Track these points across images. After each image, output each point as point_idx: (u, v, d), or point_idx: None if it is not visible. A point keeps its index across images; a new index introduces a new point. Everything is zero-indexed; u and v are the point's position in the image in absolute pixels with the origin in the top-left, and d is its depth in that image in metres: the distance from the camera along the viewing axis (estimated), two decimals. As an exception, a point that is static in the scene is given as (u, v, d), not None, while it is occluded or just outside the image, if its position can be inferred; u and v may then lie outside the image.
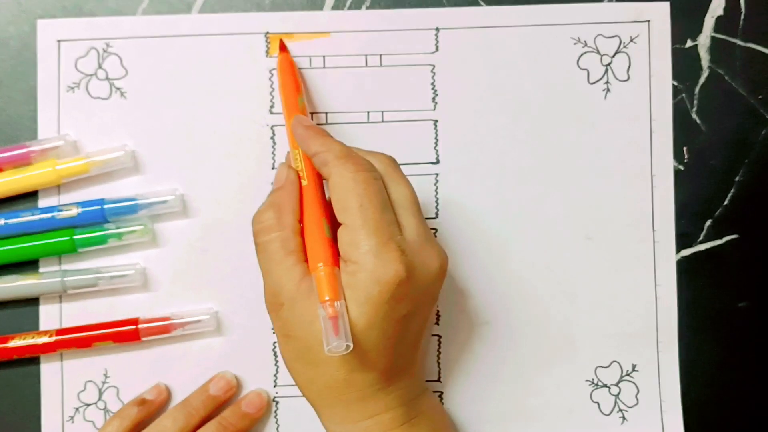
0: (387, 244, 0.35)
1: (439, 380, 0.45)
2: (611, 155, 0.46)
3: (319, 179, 0.40)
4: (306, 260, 0.37)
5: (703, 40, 0.46)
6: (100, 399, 0.44)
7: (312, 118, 0.44)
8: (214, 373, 0.44)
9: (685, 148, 0.46)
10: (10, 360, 0.43)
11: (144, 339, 0.43)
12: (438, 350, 0.45)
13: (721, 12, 0.46)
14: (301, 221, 0.38)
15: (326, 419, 0.39)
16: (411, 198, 0.39)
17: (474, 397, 0.45)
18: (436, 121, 0.45)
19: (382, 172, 0.38)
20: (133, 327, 0.43)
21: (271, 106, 0.45)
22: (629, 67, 0.46)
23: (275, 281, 0.37)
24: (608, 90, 0.46)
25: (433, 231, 0.45)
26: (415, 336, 0.38)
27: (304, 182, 0.39)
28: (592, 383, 0.46)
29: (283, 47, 0.45)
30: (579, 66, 0.46)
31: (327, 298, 0.35)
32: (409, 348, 0.38)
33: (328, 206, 0.39)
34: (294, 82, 0.43)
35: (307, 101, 0.45)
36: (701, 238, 0.46)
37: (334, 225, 0.38)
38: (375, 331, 0.36)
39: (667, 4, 0.46)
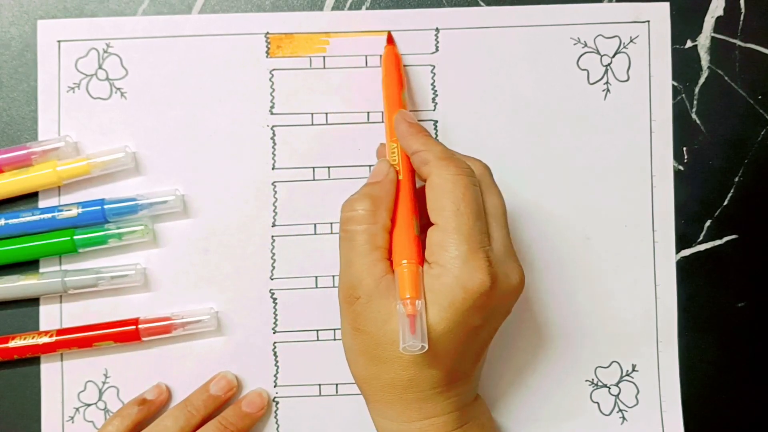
0: (476, 252, 0.35)
1: (439, 380, 0.45)
2: (611, 155, 0.46)
3: (414, 176, 0.39)
4: (389, 258, 0.37)
5: (703, 41, 0.46)
6: (100, 399, 0.44)
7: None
8: (215, 372, 0.44)
9: (684, 149, 0.46)
10: (11, 360, 0.43)
11: (144, 339, 0.43)
12: (438, 350, 0.45)
13: (720, 12, 0.46)
14: (392, 218, 0.38)
15: (378, 414, 0.39)
16: (502, 209, 0.38)
17: (474, 397, 0.45)
18: (436, 121, 0.46)
19: (477, 178, 0.38)
20: (134, 327, 0.43)
21: (272, 107, 0.45)
22: (629, 67, 0.46)
23: (355, 273, 0.37)
24: (608, 90, 0.46)
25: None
26: (481, 345, 0.38)
27: (400, 177, 0.39)
28: (592, 383, 0.46)
29: (390, 40, 0.44)
30: (579, 66, 0.46)
31: (408, 295, 0.35)
32: (473, 356, 0.38)
33: (418, 205, 0.38)
34: (398, 76, 0.43)
35: (310, 101, 0.45)
36: (701, 238, 0.46)
37: (422, 223, 0.38)
38: (450, 335, 0.35)
39: (667, 5, 0.46)
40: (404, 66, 0.45)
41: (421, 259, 0.37)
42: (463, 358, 0.37)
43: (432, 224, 0.37)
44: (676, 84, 0.46)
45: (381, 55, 0.45)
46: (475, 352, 0.38)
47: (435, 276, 0.35)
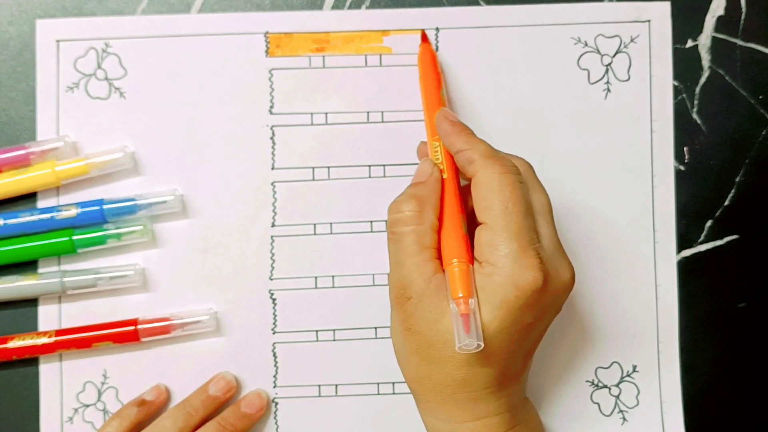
0: (527, 250, 0.35)
1: (439, 381, 0.45)
2: (611, 155, 0.46)
3: (458, 175, 0.39)
4: (438, 258, 0.37)
5: (704, 40, 0.46)
6: (99, 400, 0.44)
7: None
8: (214, 373, 0.44)
9: (685, 148, 0.46)
10: (9, 361, 0.43)
11: (143, 339, 0.43)
12: (438, 351, 0.45)
13: (721, 12, 0.46)
14: (439, 218, 0.38)
15: (429, 415, 0.38)
16: (548, 206, 0.38)
17: (474, 397, 0.45)
18: (436, 121, 0.45)
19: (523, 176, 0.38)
20: (133, 327, 0.43)
21: (271, 107, 0.45)
22: (630, 67, 0.46)
23: (405, 274, 0.37)
24: (608, 90, 0.46)
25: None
26: (532, 344, 0.38)
27: (444, 176, 0.39)
28: (593, 384, 0.46)
29: (424, 38, 0.44)
30: (579, 66, 0.46)
31: (460, 294, 0.35)
32: (525, 355, 0.38)
33: (463, 203, 0.38)
34: (435, 74, 0.43)
35: (309, 101, 0.45)
36: (702, 238, 0.46)
37: (469, 222, 0.37)
38: (502, 334, 0.35)
39: (668, 4, 0.46)
40: (440, 63, 0.44)
41: (471, 258, 0.36)
42: (515, 357, 0.37)
43: (478, 223, 0.36)
44: (676, 84, 0.46)
45: (382, 54, 0.45)
46: (526, 350, 0.38)
47: (486, 275, 0.35)
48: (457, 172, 0.39)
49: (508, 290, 0.35)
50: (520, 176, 0.37)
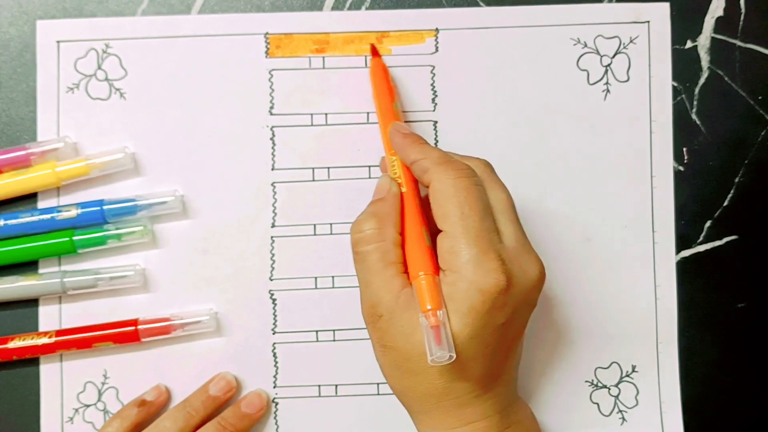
0: (487, 253, 0.35)
1: (438, 381, 0.45)
2: (611, 156, 0.46)
3: (417, 187, 0.39)
4: (405, 272, 0.37)
5: (703, 41, 0.46)
6: (99, 400, 0.44)
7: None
8: (214, 373, 0.44)
9: (684, 149, 0.46)
10: (10, 361, 0.43)
11: (144, 340, 0.43)
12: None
13: (720, 13, 0.46)
14: (401, 232, 0.38)
15: (422, 425, 0.38)
16: (508, 203, 0.38)
17: (474, 397, 0.45)
18: (436, 122, 0.45)
19: (479, 177, 0.38)
20: (133, 328, 0.43)
21: (271, 107, 0.45)
22: (629, 67, 0.46)
23: (374, 292, 0.37)
24: (608, 91, 0.46)
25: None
26: (509, 342, 0.38)
27: (403, 189, 0.39)
28: (592, 384, 0.46)
29: (375, 52, 0.44)
30: (579, 67, 0.46)
31: (429, 307, 0.35)
32: (504, 354, 0.38)
33: (426, 214, 0.38)
34: (388, 87, 0.43)
35: (309, 101, 0.45)
36: (701, 239, 0.46)
37: (432, 232, 0.37)
38: (476, 340, 0.35)
39: (667, 5, 0.46)
40: (392, 76, 0.45)
41: (437, 269, 0.36)
42: (494, 358, 0.37)
43: (440, 231, 0.36)
44: (676, 84, 0.46)
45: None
46: (505, 349, 0.38)
47: (450, 283, 0.35)
48: (417, 184, 0.39)
49: (473, 296, 0.35)
50: (476, 178, 0.37)
